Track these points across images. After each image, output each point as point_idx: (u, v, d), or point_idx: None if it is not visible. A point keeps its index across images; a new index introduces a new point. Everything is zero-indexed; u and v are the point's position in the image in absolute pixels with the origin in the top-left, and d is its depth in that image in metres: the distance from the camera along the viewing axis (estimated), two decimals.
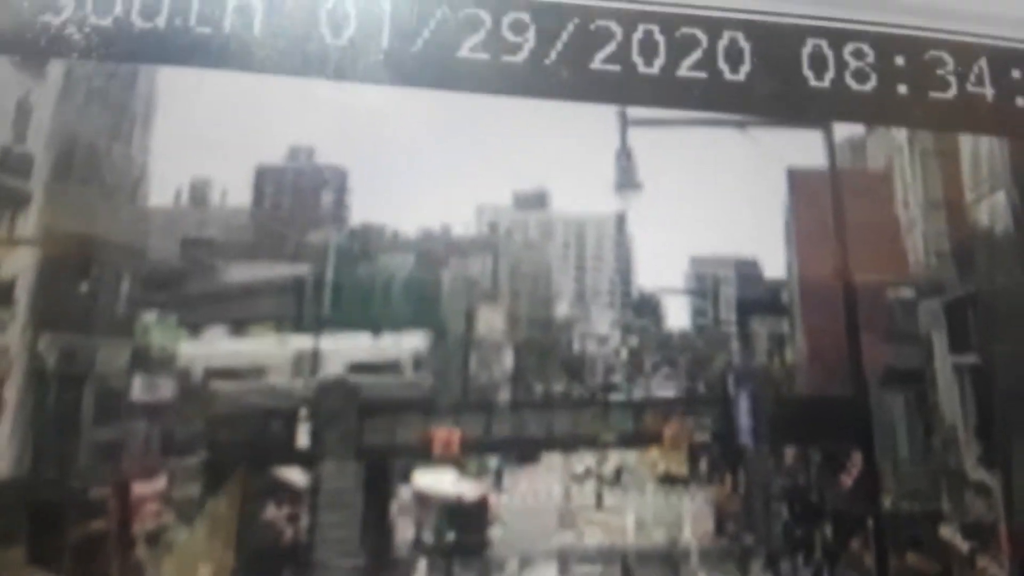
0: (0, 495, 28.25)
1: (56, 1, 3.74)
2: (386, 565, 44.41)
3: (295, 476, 49.85)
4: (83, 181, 34.44)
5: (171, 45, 4.07)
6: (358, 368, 46.27)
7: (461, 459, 56.63)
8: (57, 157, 32.53)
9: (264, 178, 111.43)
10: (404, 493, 54.11)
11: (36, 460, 30.89)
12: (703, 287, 79.29)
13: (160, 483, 38.83)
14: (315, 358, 46.39)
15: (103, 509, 34.93)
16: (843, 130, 32.56)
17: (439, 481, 49.65)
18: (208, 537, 41.98)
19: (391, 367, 47.24)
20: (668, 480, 72.77)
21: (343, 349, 47.86)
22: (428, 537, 44.86)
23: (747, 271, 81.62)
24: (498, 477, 70.12)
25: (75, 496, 33.11)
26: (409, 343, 49.34)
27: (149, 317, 41.45)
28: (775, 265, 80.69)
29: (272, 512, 48.61)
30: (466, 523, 45.47)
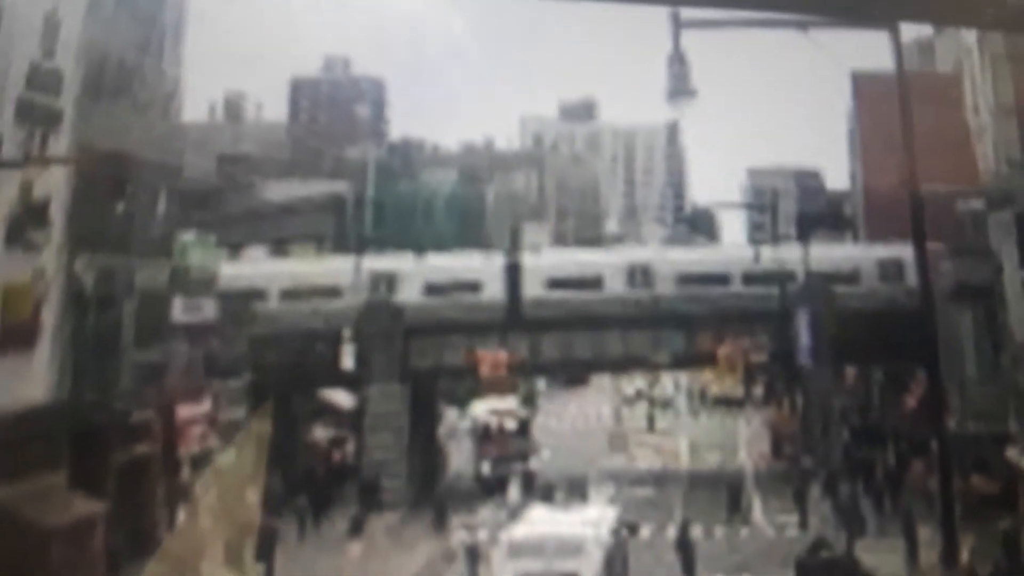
0: (41, 419, 28.64)
1: None
2: (433, 487, 44.70)
3: (341, 398, 50.17)
4: (115, 97, 34.45)
5: None
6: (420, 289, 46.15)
7: (509, 382, 56.80)
8: (87, 73, 32.51)
9: (299, 91, 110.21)
10: (450, 418, 54.39)
11: (76, 383, 31.25)
12: (761, 200, 78.89)
13: (205, 406, 39.26)
14: (358, 277, 46.25)
15: (147, 432, 35.36)
16: (910, 31, 32.39)
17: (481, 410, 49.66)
18: (254, 460, 42.25)
19: (434, 289, 47.02)
20: (723, 402, 72.78)
21: (385, 269, 47.79)
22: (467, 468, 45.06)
23: (808, 183, 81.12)
24: (530, 401, 70.54)
25: (118, 419, 33.51)
26: (455, 264, 49.18)
27: (187, 237, 41.61)
28: (838, 176, 79.82)
29: (319, 434, 48.96)
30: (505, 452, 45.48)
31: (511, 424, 47.14)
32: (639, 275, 47.95)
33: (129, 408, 34.23)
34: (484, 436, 46.66)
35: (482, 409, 47.76)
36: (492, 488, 42.99)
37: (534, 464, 45.56)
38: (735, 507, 41.63)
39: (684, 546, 34.49)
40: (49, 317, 29.71)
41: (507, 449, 45.31)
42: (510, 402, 49.48)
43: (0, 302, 27.88)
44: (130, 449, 34.04)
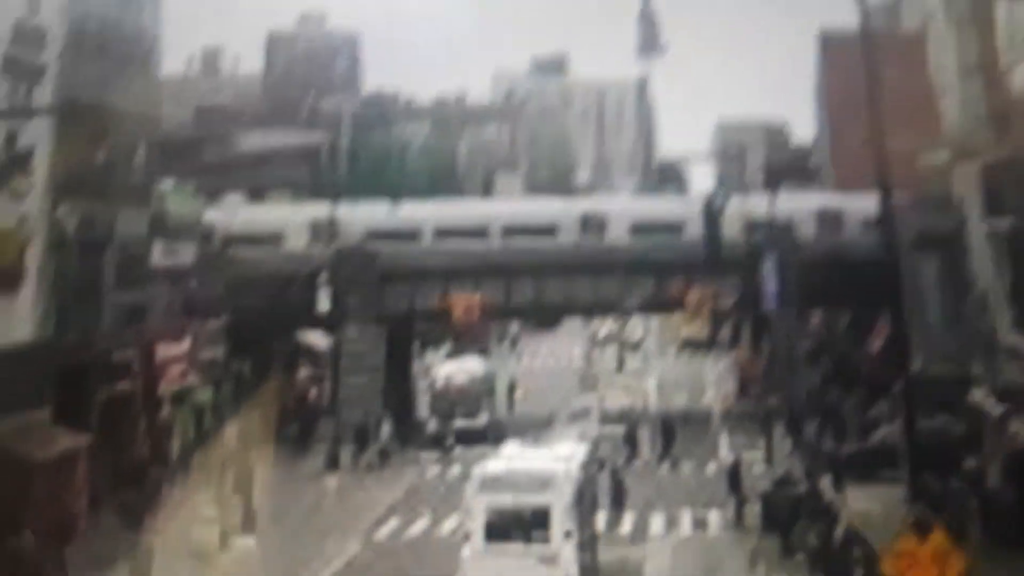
0: (25, 358, 28.81)
1: None
2: (408, 426, 45.05)
3: (317, 340, 50.51)
4: (96, 52, 34.57)
5: None
6: (375, 235, 46.41)
7: (482, 326, 57.05)
8: (70, 29, 32.61)
9: (276, 45, 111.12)
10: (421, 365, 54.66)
11: (60, 324, 31.48)
12: (729, 153, 79.66)
13: (184, 345, 39.51)
14: (332, 224, 46.47)
15: (129, 371, 35.62)
16: None
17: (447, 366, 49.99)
18: (233, 398, 42.78)
19: (408, 235, 47.28)
20: (691, 344, 73.65)
21: (360, 216, 47.97)
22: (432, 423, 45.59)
23: (776, 137, 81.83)
24: (513, 344, 71.13)
25: (100, 358, 33.72)
26: (426, 212, 49.26)
27: (166, 185, 41.73)
28: (805, 130, 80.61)
29: (297, 374, 49.35)
30: (459, 408, 45.98)
31: (463, 381, 47.20)
32: (593, 224, 48.26)
33: (111, 347, 34.41)
34: (438, 393, 46.96)
35: (440, 374, 48.17)
36: (439, 441, 43.34)
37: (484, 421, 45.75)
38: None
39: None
40: (33, 261, 29.73)
41: (457, 411, 45.56)
42: (472, 364, 49.77)
43: None
44: (112, 386, 34.24)
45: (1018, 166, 26.67)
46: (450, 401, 45.55)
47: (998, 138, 28.29)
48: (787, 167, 67.16)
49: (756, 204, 46.62)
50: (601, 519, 30.23)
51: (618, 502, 33.32)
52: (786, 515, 28.53)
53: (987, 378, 28.96)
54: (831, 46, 54.05)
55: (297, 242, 47.09)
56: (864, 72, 25.01)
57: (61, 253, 31.49)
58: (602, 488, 31.71)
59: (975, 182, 30.19)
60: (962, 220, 31.23)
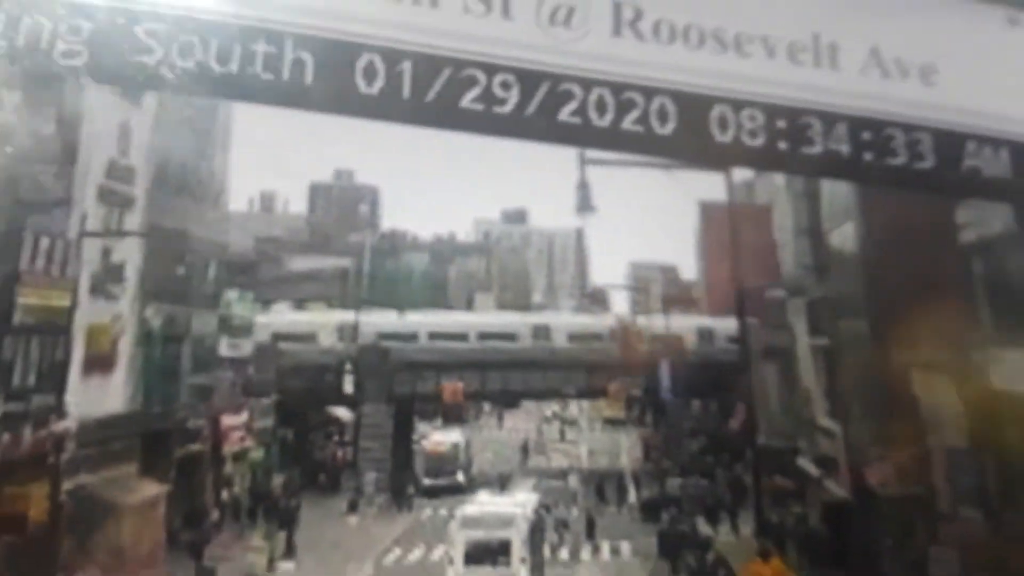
0: (118, 424, 27.04)
1: (150, 45, 2.62)
2: (409, 478, 43.16)
3: (343, 413, 48.53)
4: (177, 189, 33.07)
5: (242, 86, 3.99)
6: (386, 336, 45.20)
7: (464, 405, 55.21)
8: (155, 170, 31.14)
9: (316, 192, 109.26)
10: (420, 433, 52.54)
11: (146, 399, 29.58)
12: (637, 285, 78.43)
13: (243, 416, 37.77)
14: (355, 328, 45.32)
15: (200, 435, 33.60)
16: (739, 174, 33.13)
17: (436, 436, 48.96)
18: (280, 458, 40.72)
19: (411, 337, 45.96)
20: (611, 422, 71.50)
21: (376, 322, 47.02)
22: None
23: (669, 274, 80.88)
24: (477, 417, 68.10)
25: (178, 425, 31.82)
26: (425, 320, 48.48)
27: (232, 294, 40.09)
28: (689, 271, 79.75)
29: (327, 438, 47.98)
30: (443, 468, 44.38)
31: (447, 448, 45.41)
32: (542, 333, 47.67)
33: (187, 417, 32.39)
34: (428, 456, 45.12)
35: (430, 442, 46.33)
36: (433, 494, 41.90)
37: (461, 477, 43.77)
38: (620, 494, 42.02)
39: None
40: (125, 350, 28.15)
41: (442, 470, 43.66)
42: (453, 436, 47.70)
43: (86, 337, 26.70)
44: (187, 447, 32.58)
45: (832, 302, 27.91)
46: (437, 462, 44.03)
47: (819, 281, 29.55)
48: (677, 296, 66.73)
49: (656, 323, 47.12)
50: (547, 548, 30.09)
51: (560, 536, 33.35)
52: (674, 545, 29.41)
53: (809, 450, 29.89)
54: (707, 212, 55.36)
55: (328, 340, 46.25)
56: (729, 231, 27.29)
57: (148, 344, 29.55)
58: (548, 526, 31.65)
59: (803, 312, 31.24)
60: (793, 338, 32.21)
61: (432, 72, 3.95)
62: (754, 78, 4.15)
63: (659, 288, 77.84)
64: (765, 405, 33.90)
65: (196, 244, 34.04)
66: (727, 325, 40.48)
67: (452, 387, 46.01)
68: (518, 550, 24.12)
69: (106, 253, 27.48)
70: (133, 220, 29.20)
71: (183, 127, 32.98)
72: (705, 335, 46.53)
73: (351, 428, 48.12)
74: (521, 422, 74.70)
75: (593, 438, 70.08)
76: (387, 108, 3.94)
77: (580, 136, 4.17)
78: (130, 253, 28.75)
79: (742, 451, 36.67)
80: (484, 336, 47.45)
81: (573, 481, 44.66)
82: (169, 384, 31.87)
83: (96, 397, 26.74)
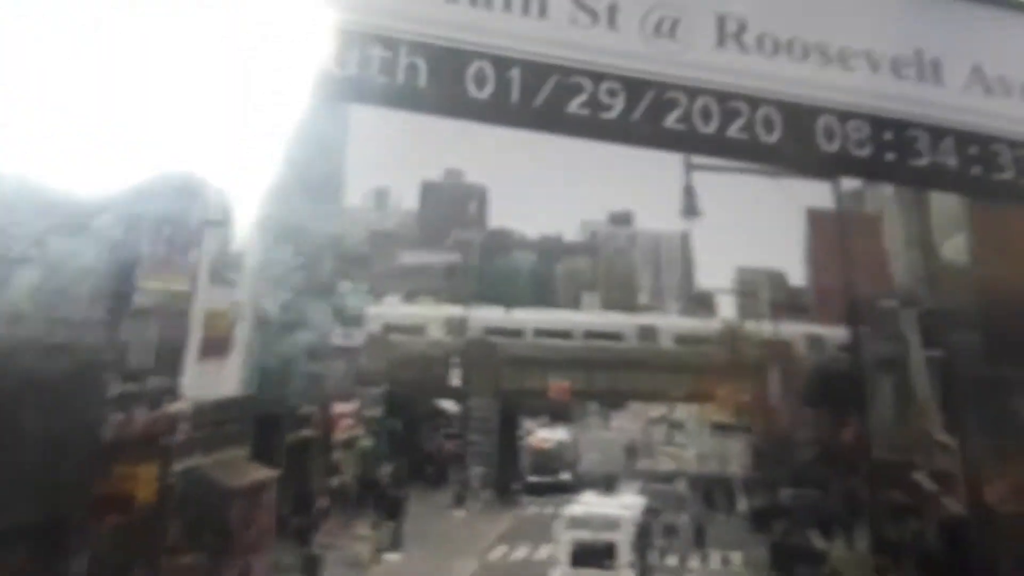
0: (231, 408, 27.95)
1: None
2: (514, 474, 43.36)
3: (450, 406, 49.12)
4: (297, 184, 33.81)
5: (360, 89, 4.14)
6: (493, 331, 45.63)
7: (571, 404, 55.54)
8: (276, 163, 31.61)
9: (428, 190, 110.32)
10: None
11: (261, 383, 30.37)
12: (744, 290, 77.27)
13: (353, 405, 38.44)
14: (463, 322, 45.82)
15: (311, 422, 34.42)
16: (846, 183, 32.77)
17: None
18: (388, 447, 41.53)
19: (516, 333, 46.01)
20: (720, 427, 70.43)
21: (484, 317, 47.51)
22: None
23: (777, 281, 79.64)
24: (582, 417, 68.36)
25: (290, 411, 32.57)
26: (530, 317, 48.90)
27: (345, 285, 40.97)
28: (797, 277, 78.37)
29: (435, 430, 48.74)
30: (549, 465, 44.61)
31: (552, 445, 45.70)
32: (648, 334, 47.56)
33: (298, 403, 33.32)
34: (534, 453, 45.25)
35: (535, 439, 46.66)
36: (538, 491, 42.14)
37: (567, 476, 43.81)
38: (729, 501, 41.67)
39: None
40: (241, 335, 28.95)
41: (547, 467, 44.09)
42: (559, 433, 47.88)
43: (204, 322, 27.60)
44: (298, 433, 33.30)
45: (944, 313, 27.44)
46: (542, 458, 44.69)
47: (931, 293, 29.01)
48: (785, 303, 65.65)
49: (764, 328, 46.97)
50: (655, 554, 29.99)
51: (668, 541, 33.11)
52: (788, 557, 29.10)
53: (925, 464, 29.21)
54: (814, 219, 54.04)
55: (436, 333, 47.15)
56: (839, 240, 28.26)
57: (265, 331, 30.42)
58: (655, 531, 31.44)
59: (915, 323, 30.44)
60: (907, 349, 31.22)
61: (540, 79, 4.06)
62: (859, 90, 4.18)
63: (767, 293, 76.67)
64: (879, 416, 32.92)
65: (312, 236, 34.97)
66: (837, 333, 39.15)
67: (559, 385, 46.08)
68: (624, 553, 24.09)
69: (225, 242, 28.56)
70: (252, 211, 30.18)
71: (304, 131, 33.69)
72: (815, 343, 45.28)
73: (458, 421, 48.40)
74: (627, 423, 74.25)
75: (701, 442, 69.19)
76: (496, 112, 4.06)
77: (685, 142, 4.23)
78: (249, 243, 29.68)
79: (855, 463, 35.31)
80: (590, 335, 47.56)
81: (681, 486, 44.02)
82: (283, 370, 32.84)
83: (211, 381, 27.87)
